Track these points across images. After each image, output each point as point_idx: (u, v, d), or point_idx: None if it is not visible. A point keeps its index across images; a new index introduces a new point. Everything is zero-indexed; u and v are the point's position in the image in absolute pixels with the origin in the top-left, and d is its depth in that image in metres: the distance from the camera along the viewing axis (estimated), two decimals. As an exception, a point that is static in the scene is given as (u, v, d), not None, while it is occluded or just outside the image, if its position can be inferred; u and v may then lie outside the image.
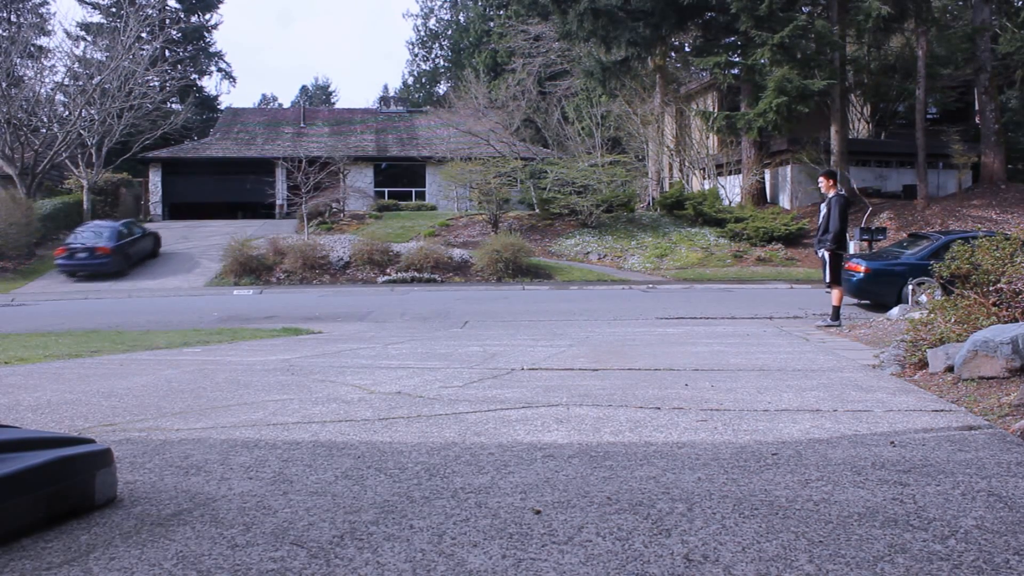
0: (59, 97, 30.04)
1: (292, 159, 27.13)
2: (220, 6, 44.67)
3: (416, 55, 55.72)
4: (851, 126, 28.50)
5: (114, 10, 36.15)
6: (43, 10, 36.97)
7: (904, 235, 18.26)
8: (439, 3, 54.46)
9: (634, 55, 25.01)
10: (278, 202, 31.82)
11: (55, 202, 27.33)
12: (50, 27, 35.66)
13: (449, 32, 53.64)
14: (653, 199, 27.65)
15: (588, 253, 22.48)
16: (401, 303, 13.46)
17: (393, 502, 1.88)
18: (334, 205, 27.04)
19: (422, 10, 66.39)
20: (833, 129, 23.96)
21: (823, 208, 9.09)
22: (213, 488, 2.02)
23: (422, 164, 33.10)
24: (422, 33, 55.13)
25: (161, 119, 30.56)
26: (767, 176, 27.16)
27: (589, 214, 23.96)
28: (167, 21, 39.08)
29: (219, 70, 47.37)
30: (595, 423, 2.87)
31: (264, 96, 68.76)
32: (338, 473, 2.17)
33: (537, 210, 25.58)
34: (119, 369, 4.98)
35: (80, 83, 29.33)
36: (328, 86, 65.36)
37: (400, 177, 33.77)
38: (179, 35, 43.56)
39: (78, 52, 32.64)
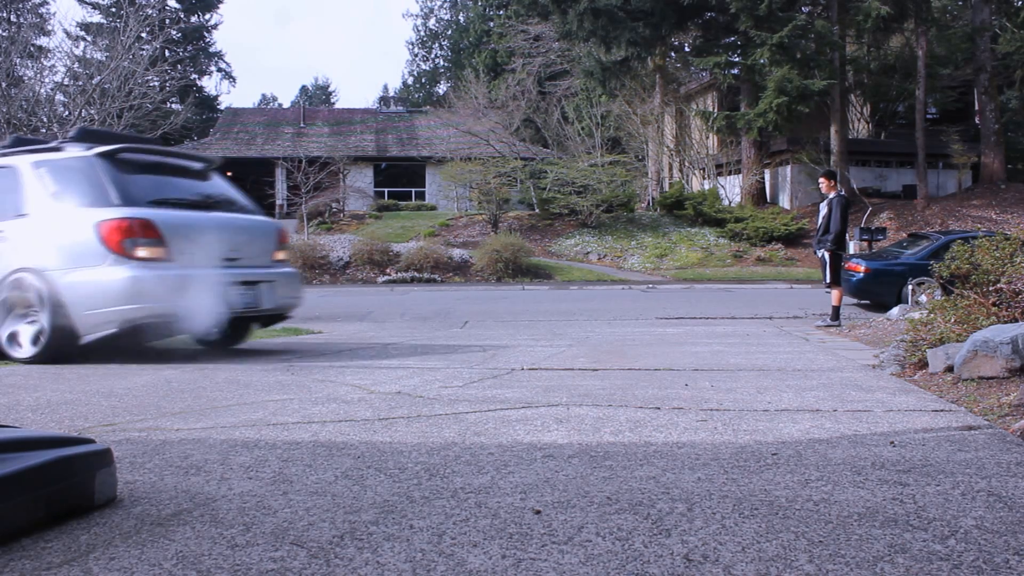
0: (59, 97, 30.02)
1: (292, 159, 27.14)
2: (220, 6, 44.69)
3: (416, 55, 55.73)
4: (851, 126, 28.50)
5: (114, 10, 36.17)
6: (43, 10, 36.96)
7: (904, 235, 18.26)
8: (439, 3, 54.46)
9: (634, 55, 25.00)
10: (278, 202, 31.79)
11: (55, 202, 27.32)
12: (50, 27, 35.62)
13: (449, 32, 53.63)
14: (653, 199, 27.65)
15: (588, 253, 22.49)
16: (401, 303, 13.46)
17: (393, 502, 1.88)
18: (334, 205, 27.05)
19: (422, 10, 66.41)
20: (833, 129, 23.96)
21: (823, 208, 9.09)
22: (213, 488, 2.02)
23: (422, 164, 33.10)
24: (422, 33, 55.14)
25: (161, 119, 30.54)
26: (767, 176, 27.15)
27: (589, 214, 23.96)
28: (167, 21, 39.05)
29: (219, 70, 47.40)
30: (595, 423, 2.87)
31: (264, 96, 68.76)
32: (338, 473, 2.17)
33: (537, 210, 25.58)
34: (119, 369, 4.98)
35: (80, 83, 29.32)
36: (328, 86, 65.40)
37: (400, 177, 33.76)
38: (179, 35, 43.56)
39: (78, 52, 32.60)
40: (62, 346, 5.17)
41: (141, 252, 5.10)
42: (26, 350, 5.27)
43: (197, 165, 6.32)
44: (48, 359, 5.15)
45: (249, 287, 5.69)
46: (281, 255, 6.29)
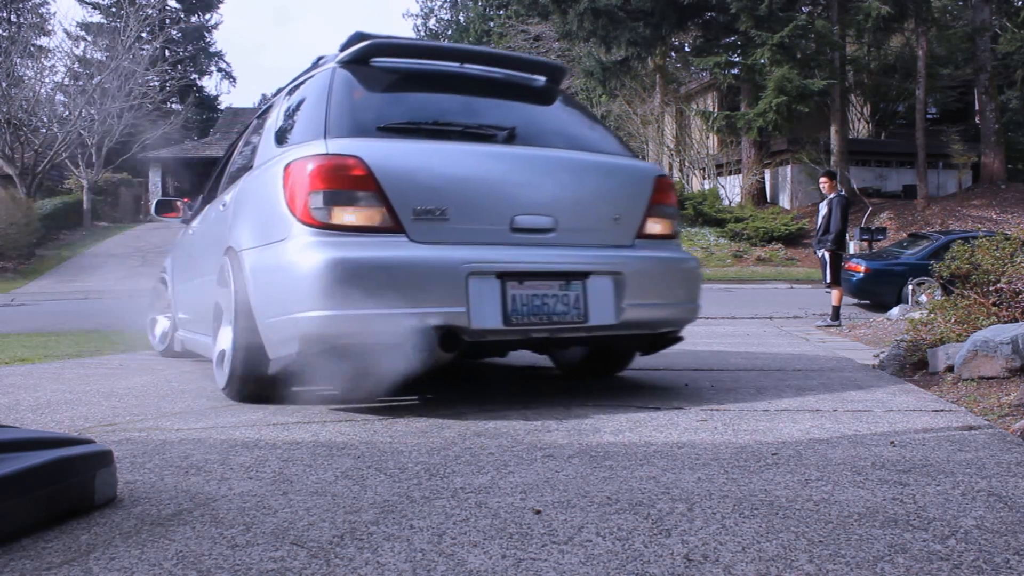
0: (59, 97, 30.03)
1: (292, 159, 27.05)
2: (220, 6, 44.68)
3: (416, 55, 55.64)
4: (851, 126, 28.48)
5: (114, 10, 36.14)
6: (43, 10, 36.96)
7: (904, 235, 18.25)
8: (439, 3, 54.45)
9: (634, 55, 24.99)
10: (278, 202, 31.72)
11: (55, 202, 27.34)
12: (50, 27, 35.66)
13: (449, 32, 53.60)
14: (653, 199, 27.58)
15: (588, 253, 22.46)
16: (401, 303, 13.43)
17: (393, 502, 1.88)
18: (334, 205, 26.99)
19: (422, 10, 66.35)
20: (833, 129, 23.94)
21: (823, 208, 9.10)
22: (213, 488, 2.02)
23: (422, 164, 33.04)
24: (422, 33, 55.08)
25: (161, 119, 30.55)
26: (767, 176, 27.13)
27: (589, 214, 23.92)
28: (167, 21, 39.04)
29: (219, 70, 47.41)
30: (595, 423, 2.87)
31: (264, 96, 68.71)
32: (338, 473, 2.17)
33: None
34: (119, 369, 4.98)
35: (80, 83, 29.32)
36: (328, 86, 65.25)
37: (400, 177, 33.71)
38: (179, 35, 43.54)
39: (78, 52, 32.62)
40: (249, 373, 3.28)
41: (341, 215, 2.94)
42: (221, 373, 3.56)
43: (534, 79, 3.96)
44: (236, 393, 3.41)
45: (567, 283, 3.19)
46: (658, 226, 3.58)
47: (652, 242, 3.52)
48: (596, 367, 4.19)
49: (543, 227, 3.21)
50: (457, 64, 3.76)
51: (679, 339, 3.77)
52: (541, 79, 3.96)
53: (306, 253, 2.89)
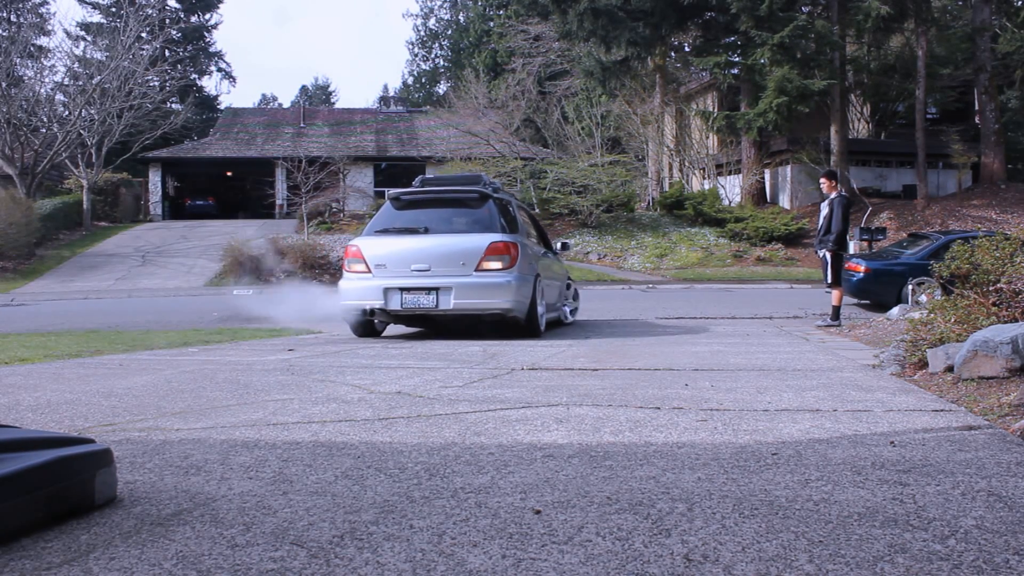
0: (59, 97, 30.05)
1: (292, 159, 27.11)
2: (220, 6, 44.68)
3: (416, 55, 55.73)
4: (851, 126, 28.48)
5: (114, 10, 36.15)
6: (43, 10, 36.96)
7: (904, 235, 18.24)
8: (439, 3, 54.47)
9: (634, 55, 25.00)
10: (278, 202, 31.78)
11: (55, 202, 27.33)
12: (50, 27, 35.69)
13: (449, 32, 53.63)
14: (653, 199, 27.64)
15: (588, 253, 22.48)
16: (401, 303, 13.41)
17: (393, 502, 1.88)
18: (334, 205, 27.06)
19: (422, 10, 66.40)
20: (833, 129, 23.95)
21: (824, 208, 9.08)
22: (213, 488, 2.02)
23: (422, 164, 33.08)
24: (422, 33, 55.13)
25: (161, 119, 30.55)
26: (767, 176, 27.14)
27: (589, 214, 23.96)
28: (167, 21, 39.05)
29: (219, 70, 47.43)
30: (595, 423, 2.87)
31: (264, 96, 68.77)
32: (338, 473, 2.17)
33: (537, 210, 25.57)
34: (119, 369, 4.98)
35: (80, 83, 29.34)
36: (328, 86, 65.44)
37: (400, 177, 33.70)
38: (179, 35, 43.54)
39: (78, 52, 32.65)
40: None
41: (350, 268, 7.29)
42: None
43: (472, 195, 7.44)
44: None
45: (429, 292, 6.91)
46: (487, 264, 6.96)
47: (483, 273, 6.98)
48: (511, 333, 7.40)
49: (424, 268, 7.04)
50: (434, 193, 7.60)
51: (509, 319, 7.12)
52: (475, 194, 7.41)
53: (342, 282, 7.42)
